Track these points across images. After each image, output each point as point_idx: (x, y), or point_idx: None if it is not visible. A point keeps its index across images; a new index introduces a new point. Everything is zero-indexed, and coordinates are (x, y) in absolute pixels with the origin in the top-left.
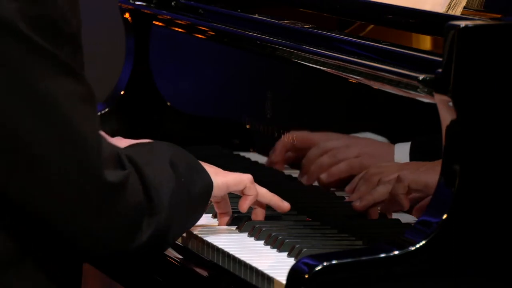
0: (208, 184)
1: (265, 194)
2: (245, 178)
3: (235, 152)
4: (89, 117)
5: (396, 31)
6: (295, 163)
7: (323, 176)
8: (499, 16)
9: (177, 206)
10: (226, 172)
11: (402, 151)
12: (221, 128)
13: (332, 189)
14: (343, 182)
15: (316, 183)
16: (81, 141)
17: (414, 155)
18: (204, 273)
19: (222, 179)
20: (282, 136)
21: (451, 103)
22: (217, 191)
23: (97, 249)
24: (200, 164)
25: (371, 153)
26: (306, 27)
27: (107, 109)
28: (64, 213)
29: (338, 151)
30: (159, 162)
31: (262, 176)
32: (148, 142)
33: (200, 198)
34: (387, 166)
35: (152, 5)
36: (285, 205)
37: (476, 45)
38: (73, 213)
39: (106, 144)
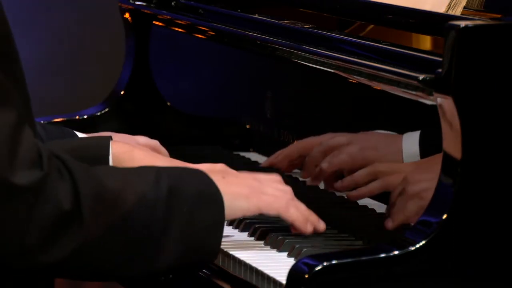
0: (215, 222)
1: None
2: (282, 201)
3: (235, 152)
4: None
5: (396, 31)
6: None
7: (324, 165)
8: (499, 16)
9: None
10: (261, 188)
11: (410, 141)
12: (221, 128)
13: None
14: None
15: (316, 183)
16: None
17: (424, 145)
18: (203, 273)
19: (247, 205)
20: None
21: (451, 103)
22: (243, 214)
23: (6, 259)
24: (213, 193)
25: (374, 146)
26: (306, 27)
27: (107, 109)
28: None
29: (340, 149)
30: (136, 184)
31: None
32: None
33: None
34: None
35: (152, 5)
36: (321, 226)
37: (476, 45)
38: None
39: (27, 143)
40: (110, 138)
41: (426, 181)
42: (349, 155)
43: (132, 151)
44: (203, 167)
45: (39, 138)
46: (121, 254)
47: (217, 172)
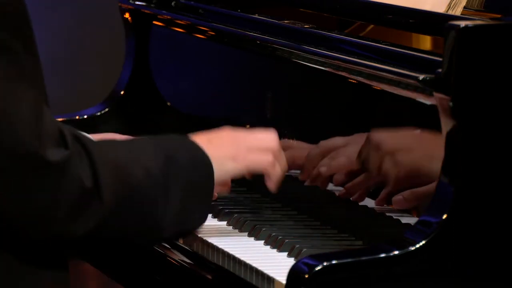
0: (207, 175)
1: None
2: (269, 158)
3: None
4: (19, 91)
5: (396, 31)
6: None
7: (323, 170)
8: (499, 16)
9: (146, 202)
10: (246, 146)
11: None
12: (221, 128)
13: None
14: (344, 178)
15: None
16: (10, 117)
17: None
18: (204, 273)
19: (235, 166)
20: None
21: (451, 103)
22: (227, 177)
23: (37, 230)
24: (203, 156)
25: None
26: (306, 27)
27: (107, 109)
28: None
29: (337, 151)
30: (134, 155)
31: (262, 176)
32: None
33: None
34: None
35: (152, 5)
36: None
37: (476, 45)
38: (7, 190)
39: (50, 121)
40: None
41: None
42: (347, 158)
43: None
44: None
45: None
46: (133, 223)
47: (202, 136)
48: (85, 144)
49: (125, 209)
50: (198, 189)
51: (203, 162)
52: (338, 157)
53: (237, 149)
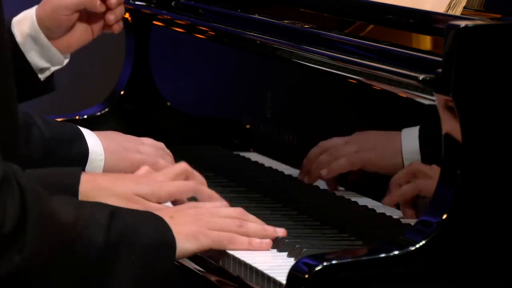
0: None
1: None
2: (229, 234)
3: (235, 152)
4: None
5: (396, 31)
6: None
7: (324, 173)
8: (499, 16)
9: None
10: (208, 222)
11: (410, 138)
12: (221, 128)
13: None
14: (345, 179)
15: (316, 183)
16: None
17: (424, 140)
18: (204, 273)
19: (201, 242)
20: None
21: (451, 103)
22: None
23: None
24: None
25: (371, 147)
26: (306, 27)
27: (107, 109)
28: None
29: (337, 149)
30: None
31: (262, 176)
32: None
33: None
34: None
35: (152, 5)
36: (280, 233)
37: (476, 45)
38: None
39: None
40: (82, 170)
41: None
42: (346, 159)
43: (96, 179)
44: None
45: (28, 131)
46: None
47: (165, 211)
48: (21, 186)
49: (52, 268)
50: (156, 261)
51: (166, 245)
52: (338, 157)
53: (198, 226)
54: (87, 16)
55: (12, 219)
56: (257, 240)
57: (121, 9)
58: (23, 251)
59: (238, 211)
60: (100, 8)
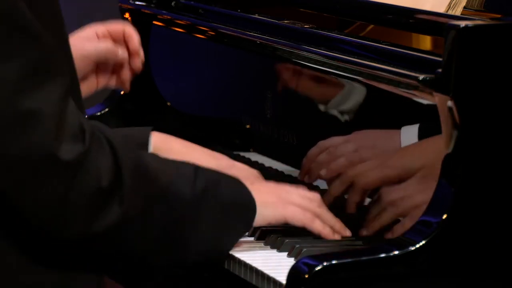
0: (249, 203)
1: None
2: (307, 213)
3: (235, 152)
4: (45, 88)
5: (396, 31)
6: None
7: (323, 172)
8: (499, 16)
9: (174, 210)
10: (288, 198)
11: (409, 135)
12: (221, 128)
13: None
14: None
15: (316, 183)
16: (33, 118)
17: (423, 139)
18: (204, 272)
19: (278, 211)
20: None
21: (451, 103)
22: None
23: (54, 229)
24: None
25: (372, 147)
26: (306, 27)
27: (107, 109)
28: (14, 188)
29: (336, 148)
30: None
31: (262, 176)
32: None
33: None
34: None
35: (152, 5)
36: (346, 233)
37: (476, 45)
38: (23, 190)
39: (71, 117)
40: (151, 128)
41: (401, 189)
42: (346, 159)
43: (170, 142)
44: (237, 171)
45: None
46: (152, 238)
47: (246, 178)
48: (109, 139)
49: (145, 217)
50: (235, 220)
51: (246, 207)
52: (337, 157)
53: (279, 198)
54: (97, 67)
55: (108, 173)
56: (329, 229)
57: (139, 65)
58: (123, 202)
59: (317, 196)
60: (123, 54)
